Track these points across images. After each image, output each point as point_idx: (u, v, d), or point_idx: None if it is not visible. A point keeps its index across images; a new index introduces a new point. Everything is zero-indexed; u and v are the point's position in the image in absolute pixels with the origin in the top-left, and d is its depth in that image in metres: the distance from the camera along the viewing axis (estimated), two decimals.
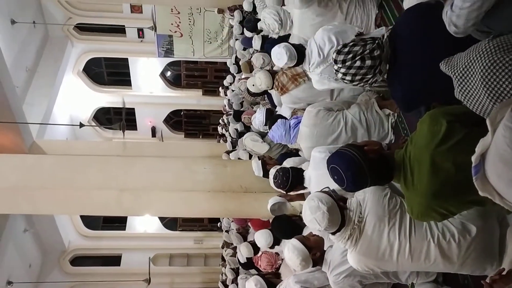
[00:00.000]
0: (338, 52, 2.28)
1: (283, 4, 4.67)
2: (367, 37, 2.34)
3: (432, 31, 2.10)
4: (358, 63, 2.20)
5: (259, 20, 4.92)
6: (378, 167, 1.95)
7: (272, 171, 3.62)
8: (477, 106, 1.60)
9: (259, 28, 5.13)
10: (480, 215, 2.19)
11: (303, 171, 3.45)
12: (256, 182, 4.83)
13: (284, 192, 3.62)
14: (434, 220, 2.12)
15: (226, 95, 9.72)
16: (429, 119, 1.85)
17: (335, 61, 2.29)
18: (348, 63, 2.22)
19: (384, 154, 2.01)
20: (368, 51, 2.19)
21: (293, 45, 3.52)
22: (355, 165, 1.93)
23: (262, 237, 4.31)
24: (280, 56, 3.44)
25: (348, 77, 2.26)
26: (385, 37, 2.28)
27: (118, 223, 14.37)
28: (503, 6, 1.72)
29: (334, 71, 2.35)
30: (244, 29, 6.25)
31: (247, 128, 6.17)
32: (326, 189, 2.42)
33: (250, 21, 5.77)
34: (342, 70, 2.25)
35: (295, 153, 4.37)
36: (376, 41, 2.22)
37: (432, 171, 1.79)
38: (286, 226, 3.66)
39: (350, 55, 2.22)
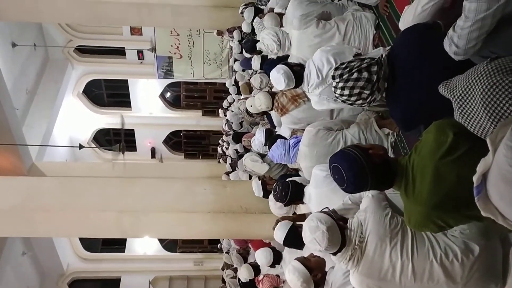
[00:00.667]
0: (336, 68, 2.33)
1: (282, 25, 4.72)
2: (365, 57, 2.36)
3: (429, 51, 2.12)
4: (355, 75, 2.22)
5: (258, 41, 4.97)
6: (381, 171, 1.93)
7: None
8: (478, 128, 1.60)
9: (258, 48, 5.16)
10: (482, 234, 2.17)
11: (304, 186, 3.44)
12: (256, 202, 4.81)
13: (283, 205, 3.61)
14: (431, 231, 2.10)
15: (225, 115, 9.75)
16: (436, 129, 1.83)
17: (333, 77, 2.31)
18: (345, 76, 2.25)
19: (388, 159, 1.99)
20: (366, 65, 2.23)
21: (292, 66, 3.54)
22: (358, 166, 1.91)
23: (262, 255, 4.27)
24: (278, 81, 3.46)
25: (346, 92, 2.26)
26: (383, 56, 2.30)
27: (118, 245, 14.25)
28: (505, 29, 1.74)
29: (333, 89, 2.35)
30: (243, 50, 6.31)
31: (247, 150, 6.17)
32: (326, 209, 2.41)
33: (248, 41, 5.83)
34: (340, 84, 2.26)
35: (295, 174, 4.36)
36: (375, 59, 2.25)
37: (435, 181, 1.77)
38: (292, 234, 3.59)
39: (348, 69, 2.26)
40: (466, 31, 1.73)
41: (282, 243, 3.25)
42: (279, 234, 3.21)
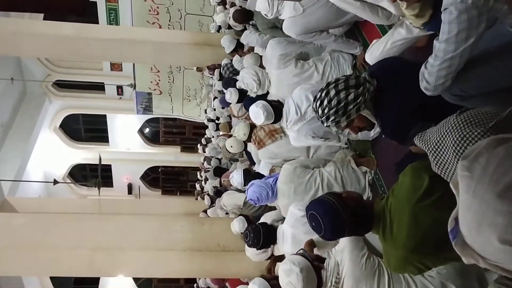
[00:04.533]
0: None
1: (261, 64, 4.79)
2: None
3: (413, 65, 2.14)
4: (344, 78, 2.17)
5: (237, 80, 5.04)
6: (356, 213, 1.93)
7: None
8: (453, 177, 1.64)
9: (237, 87, 5.23)
10: (459, 273, 2.17)
11: (275, 227, 3.42)
12: (234, 240, 4.74)
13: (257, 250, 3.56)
14: (410, 274, 2.09)
15: (204, 152, 9.73)
16: (411, 172, 1.87)
17: (321, 90, 2.21)
18: (334, 81, 2.19)
19: (363, 202, 2.00)
20: (354, 76, 2.18)
21: (271, 102, 3.58)
22: (332, 210, 1.91)
23: None
24: (257, 115, 3.51)
25: (336, 89, 2.12)
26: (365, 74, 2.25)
27: (90, 284, 13.78)
28: (474, 69, 1.81)
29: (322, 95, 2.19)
30: (223, 88, 6.37)
31: (226, 189, 6.14)
32: (301, 251, 2.39)
33: (229, 82, 5.89)
34: (332, 85, 2.15)
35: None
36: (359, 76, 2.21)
37: (412, 225, 1.78)
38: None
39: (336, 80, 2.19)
40: (436, 69, 1.80)
41: None
42: None
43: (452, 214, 1.20)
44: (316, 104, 2.20)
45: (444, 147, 1.64)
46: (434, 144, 1.69)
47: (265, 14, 3.89)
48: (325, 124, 2.22)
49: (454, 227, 1.19)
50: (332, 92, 2.13)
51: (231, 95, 5.09)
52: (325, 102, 2.14)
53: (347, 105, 2.11)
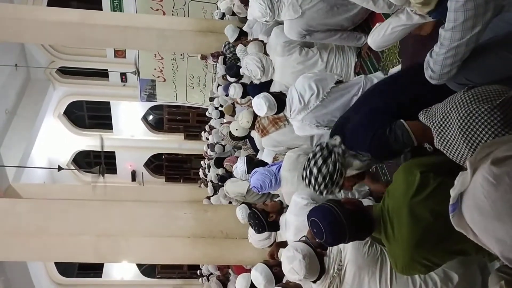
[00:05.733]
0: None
1: (265, 52, 4.77)
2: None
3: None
4: (318, 153, 2.17)
5: (241, 66, 5.02)
6: (356, 217, 1.94)
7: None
8: (456, 155, 1.63)
9: (241, 73, 5.21)
10: (461, 262, 2.18)
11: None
12: (237, 227, 4.76)
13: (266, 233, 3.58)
14: (419, 273, 2.08)
15: (208, 139, 9.74)
16: (403, 171, 1.87)
17: (304, 168, 2.22)
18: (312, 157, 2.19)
19: (362, 207, 2.01)
20: (322, 148, 2.18)
21: (273, 93, 3.57)
22: (332, 215, 1.92)
23: (243, 280, 4.20)
24: (260, 107, 3.50)
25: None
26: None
27: (94, 270, 13.91)
28: (480, 57, 1.80)
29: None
30: (227, 74, 6.35)
31: (229, 174, 6.15)
32: (304, 238, 2.41)
33: (232, 67, 5.87)
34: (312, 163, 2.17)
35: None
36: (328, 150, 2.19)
37: (411, 221, 1.78)
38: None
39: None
40: (441, 57, 1.78)
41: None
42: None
43: (457, 190, 1.19)
44: (306, 183, 2.22)
45: (449, 123, 1.64)
46: (439, 120, 1.68)
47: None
48: (322, 196, 2.25)
49: (456, 202, 1.18)
50: (315, 170, 2.13)
51: (235, 90, 5.09)
52: (313, 181, 2.15)
53: (332, 176, 2.11)
